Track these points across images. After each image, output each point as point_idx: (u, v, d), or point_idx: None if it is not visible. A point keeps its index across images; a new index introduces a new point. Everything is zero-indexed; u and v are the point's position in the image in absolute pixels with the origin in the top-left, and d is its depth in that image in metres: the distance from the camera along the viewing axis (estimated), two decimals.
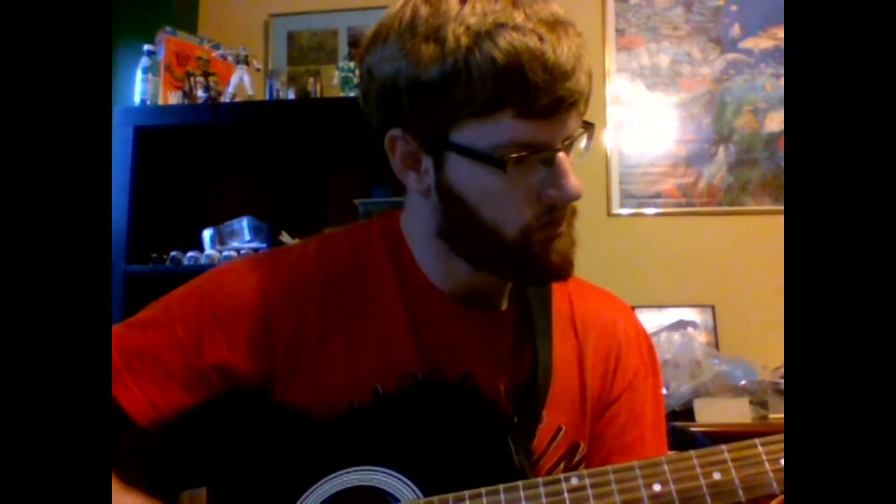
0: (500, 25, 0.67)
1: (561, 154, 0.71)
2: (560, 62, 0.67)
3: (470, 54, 0.67)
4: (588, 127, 0.75)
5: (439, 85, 0.68)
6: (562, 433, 0.81)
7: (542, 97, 0.67)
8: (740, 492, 0.63)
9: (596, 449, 0.83)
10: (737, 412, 1.84)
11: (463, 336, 0.80)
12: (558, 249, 0.74)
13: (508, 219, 0.72)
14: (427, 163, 0.74)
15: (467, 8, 0.68)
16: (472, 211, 0.73)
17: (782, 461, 0.63)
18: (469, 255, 0.77)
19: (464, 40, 0.67)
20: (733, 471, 0.63)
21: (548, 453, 0.81)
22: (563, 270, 0.75)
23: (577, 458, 0.82)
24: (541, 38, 0.67)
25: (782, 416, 1.82)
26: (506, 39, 0.66)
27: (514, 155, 0.68)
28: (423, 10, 0.70)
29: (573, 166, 0.72)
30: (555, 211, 0.72)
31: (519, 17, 0.67)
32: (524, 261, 0.74)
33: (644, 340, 0.89)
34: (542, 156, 0.70)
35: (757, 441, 0.65)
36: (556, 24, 0.68)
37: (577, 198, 0.71)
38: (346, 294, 0.80)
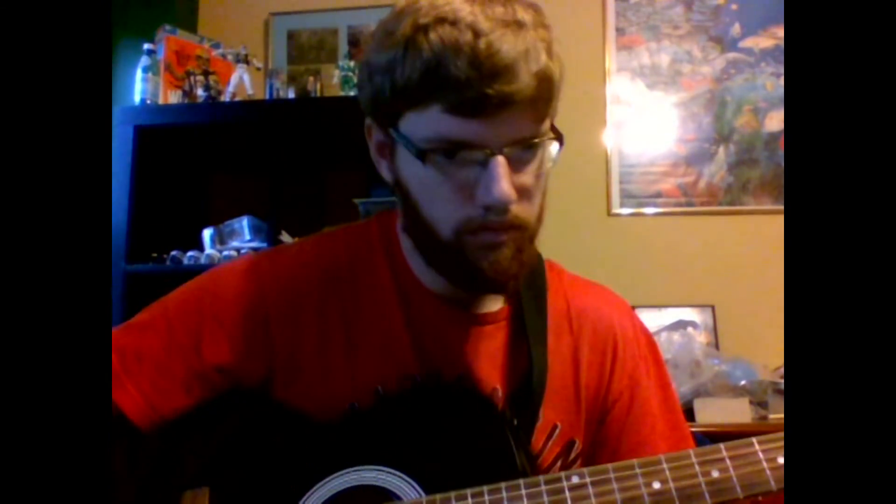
0: (440, 20, 0.66)
1: (499, 157, 0.67)
2: (493, 60, 0.65)
3: (408, 46, 0.67)
4: (557, 134, 0.72)
5: (384, 73, 0.69)
6: (557, 431, 0.81)
7: (466, 93, 0.65)
8: (738, 489, 0.63)
9: (610, 450, 0.82)
10: (737, 412, 1.84)
11: (456, 337, 0.79)
12: (493, 259, 0.70)
13: (442, 216, 0.71)
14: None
15: (440, 1, 0.68)
16: (414, 205, 0.73)
17: (779, 459, 0.63)
18: (421, 253, 0.77)
19: (407, 31, 0.68)
20: (731, 469, 0.64)
21: (544, 452, 0.80)
22: (495, 282, 0.72)
23: (572, 456, 0.82)
24: (476, 34, 0.65)
25: (782, 416, 1.82)
26: (437, 33, 0.66)
27: (433, 148, 0.68)
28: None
29: (533, 173, 0.70)
30: (490, 216, 0.69)
31: (463, 13, 0.66)
32: (458, 264, 0.72)
33: (642, 335, 0.88)
34: (476, 155, 0.68)
35: (754, 440, 0.65)
36: (508, 24, 0.66)
37: (502, 203, 0.67)
38: (344, 294, 0.80)
